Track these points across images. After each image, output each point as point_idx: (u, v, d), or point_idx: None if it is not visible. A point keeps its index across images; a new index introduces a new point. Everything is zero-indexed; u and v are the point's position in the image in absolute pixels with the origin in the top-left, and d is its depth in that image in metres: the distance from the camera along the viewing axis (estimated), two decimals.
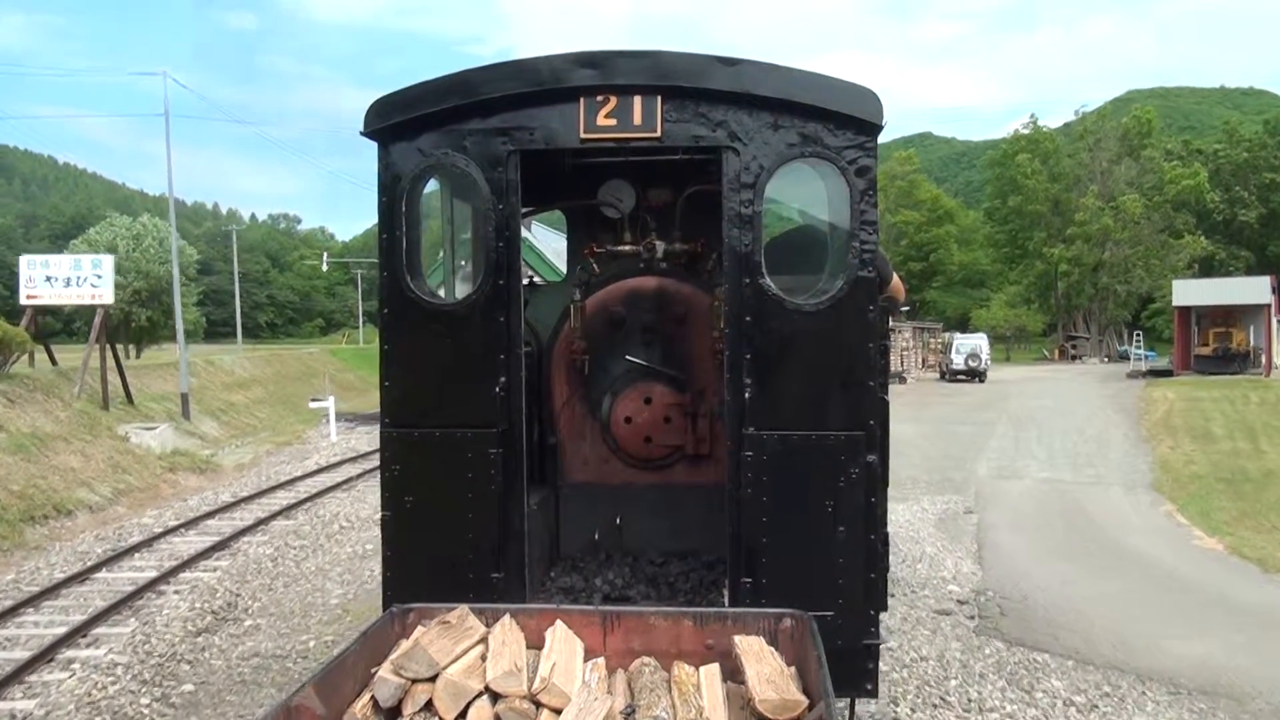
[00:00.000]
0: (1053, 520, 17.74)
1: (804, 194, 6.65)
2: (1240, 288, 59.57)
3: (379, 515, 6.32)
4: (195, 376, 36.45)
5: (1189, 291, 59.54)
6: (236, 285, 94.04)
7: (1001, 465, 23.98)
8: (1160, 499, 19.88)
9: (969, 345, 60.50)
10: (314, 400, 34.48)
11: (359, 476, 23.90)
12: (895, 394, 44.18)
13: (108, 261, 28.29)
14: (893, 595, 10.65)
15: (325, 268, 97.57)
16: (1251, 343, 55.27)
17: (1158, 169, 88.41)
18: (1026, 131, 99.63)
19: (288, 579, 14.13)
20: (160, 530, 17.53)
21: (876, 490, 5.86)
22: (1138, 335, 68.55)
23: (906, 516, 17.24)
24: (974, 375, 58.06)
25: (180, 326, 36.96)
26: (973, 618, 11.72)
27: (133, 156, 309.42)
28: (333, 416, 32.58)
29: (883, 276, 6.22)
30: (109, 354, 28.24)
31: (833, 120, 5.72)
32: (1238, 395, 37.89)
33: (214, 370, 43.01)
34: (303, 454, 29.29)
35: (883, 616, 6.18)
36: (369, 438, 29.99)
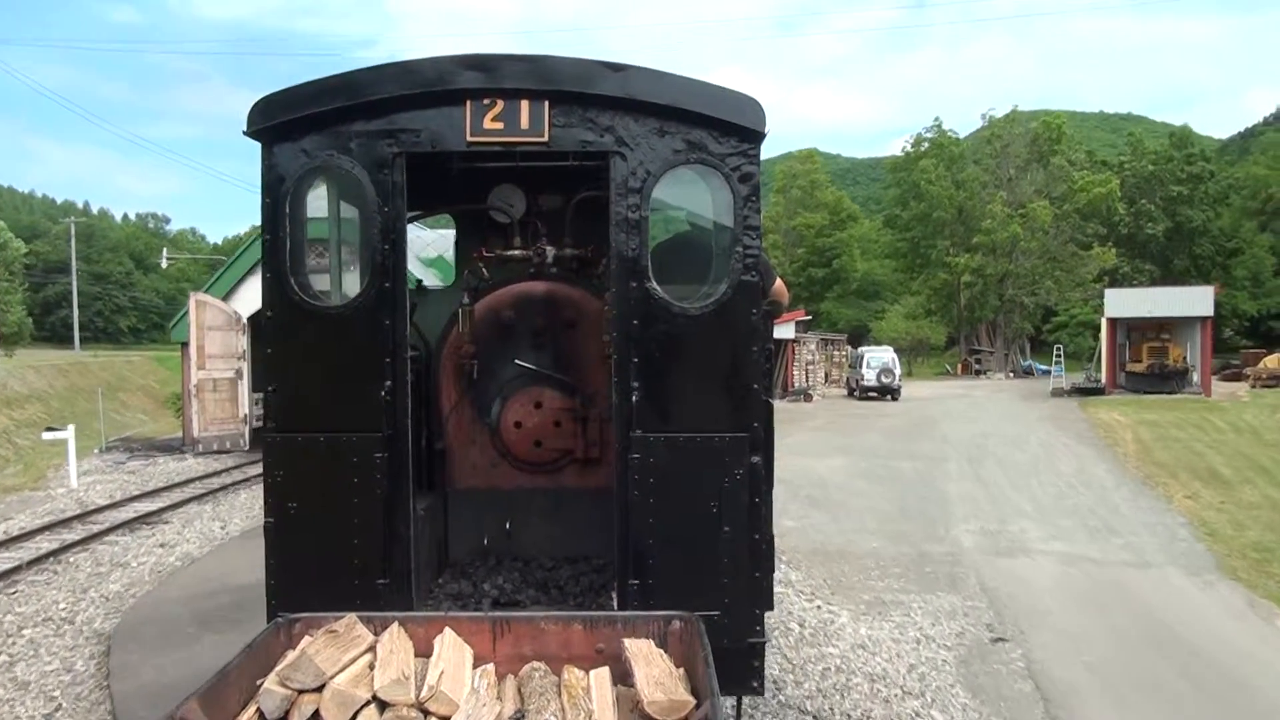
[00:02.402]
0: (1144, 657, 11.76)
1: (690, 199, 6.90)
2: (1179, 299, 56.43)
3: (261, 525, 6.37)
4: None
5: (1123, 302, 57.18)
6: (74, 280, 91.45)
7: (987, 528, 19.00)
8: (1252, 595, 14.62)
9: (880, 360, 58.55)
10: (49, 430, 28.12)
11: (70, 548, 16.90)
12: (807, 416, 42.43)
13: None
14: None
15: (165, 264, 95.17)
16: (1187, 359, 53.82)
17: (1067, 177, 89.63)
18: (931, 136, 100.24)
19: None
20: None
21: (761, 491, 6.15)
22: (1059, 350, 66.93)
23: (901, 654, 11.51)
24: (887, 393, 56.24)
25: None
26: None
27: (4, 153, 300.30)
28: (72, 455, 26.08)
29: (765, 280, 6.50)
30: None
31: (717, 127, 6.02)
32: (1199, 420, 36.39)
33: None
34: (10, 510, 22.12)
35: (767, 615, 6.44)
36: (140, 478, 26.27)
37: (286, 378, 6.21)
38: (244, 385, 31.58)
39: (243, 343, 31.46)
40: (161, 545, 17.31)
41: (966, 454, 30.10)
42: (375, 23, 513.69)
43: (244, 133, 6.19)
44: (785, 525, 16.72)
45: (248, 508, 21.18)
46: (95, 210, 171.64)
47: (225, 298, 31.48)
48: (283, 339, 6.19)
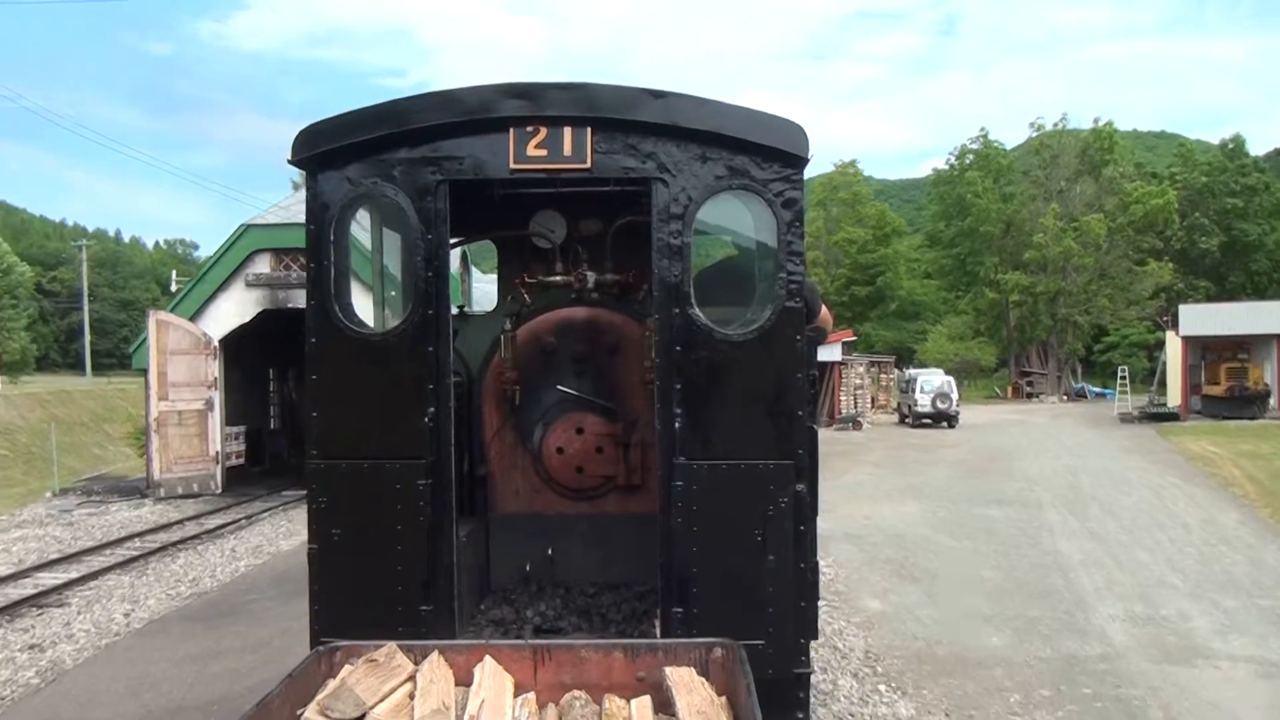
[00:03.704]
0: None
1: (732, 225, 6.94)
2: (1259, 314, 52.25)
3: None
4: None
5: (1199, 319, 52.39)
6: (85, 308, 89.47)
7: (1134, 611, 14.36)
8: None
9: (935, 383, 53.34)
10: None
11: None
12: (859, 448, 38.69)
13: None
14: None
15: (174, 287, 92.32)
16: (1267, 380, 49.99)
17: (1119, 189, 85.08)
18: (975, 148, 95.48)
19: None
20: None
21: (806, 519, 6.14)
22: (1123, 373, 62.17)
23: None
24: (943, 419, 51.36)
25: None
26: None
27: (40, 184, 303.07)
28: None
29: (810, 306, 6.45)
30: None
31: (760, 153, 6.03)
32: None
33: None
34: None
35: (812, 645, 6.39)
36: (74, 533, 22.56)
37: (330, 405, 6.24)
38: (215, 418, 27.21)
39: (214, 369, 26.87)
40: (32, 646, 13.36)
41: (1062, 497, 25.79)
42: (405, 53, 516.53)
43: (289, 161, 6.30)
44: (870, 608, 14.46)
45: (176, 579, 17.57)
46: (126, 238, 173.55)
47: (193, 317, 27.05)
48: (326, 366, 6.24)
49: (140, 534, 21.61)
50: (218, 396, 27.23)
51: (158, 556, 19.37)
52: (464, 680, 4.53)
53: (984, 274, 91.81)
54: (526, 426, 7.86)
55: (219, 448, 27.38)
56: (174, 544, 20.49)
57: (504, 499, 7.94)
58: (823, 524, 21.75)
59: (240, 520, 23.64)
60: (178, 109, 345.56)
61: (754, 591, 5.91)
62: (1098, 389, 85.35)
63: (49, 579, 17.15)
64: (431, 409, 6.03)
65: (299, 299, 26.54)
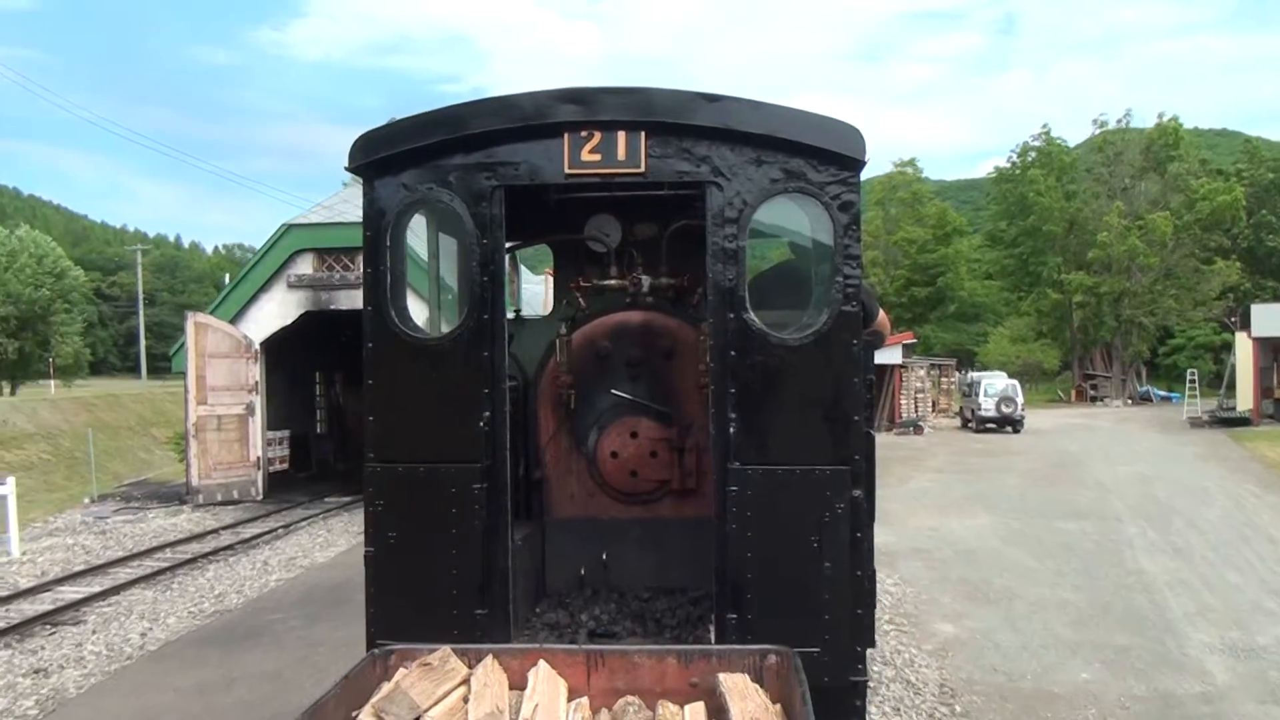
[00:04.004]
0: None
1: (788, 228, 6.87)
2: None
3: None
4: None
5: (1272, 319, 49.44)
6: (140, 312, 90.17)
7: (1230, 640, 13.14)
8: None
9: (999, 386, 51.73)
10: None
11: None
12: (921, 453, 37.63)
13: None
14: None
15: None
16: None
17: (1185, 186, 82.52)
18: (1038, 145, 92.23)
19: None
20: None
21: (863, 525, 6.04)
22: (1192, 376, 59.59)
23: None
24: (1007, 423, 49.88)
25: None
26: None
27: (103, 191, 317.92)
28: (12, 517, 20.66)
29: (867, 311, 6.37)
30: None
31: (816, 156, 5.94)
32: None
33: None
34: None
35: (869, 653, 6.37)
36: (107, 542, 21.66)
37: (387, 409, 6.24)
38: (256, 422, 26.55)
39: (255, 372, 26.09)
40: (38, 670, 12.58)
41: (1139, 509, 24.46)
42: (463, 59, 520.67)
43: (346, 168, 6.38)
44: (943, 633, 13.67)
45: (202, 594, 16.77)
46: (185, 243, 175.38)
47: (234, 320, 26.23)
48: (383, 370, 6.25)
49: (173, 543, 21.02)
50: (259, 401, 26.53)
51: (186, 569, 18.76)
52: (518, 684, 4.59)
53: (1046, 274, 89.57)
54: (581, 430, 7.90)
55: (260, 453, 26.63)
56: (206, 555, 19.85)
57: (559, 503, 7.99)
58: (888, 537, 20.32)
59: (278, 529, 23.10)
60: (235, 116, 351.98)
61: (810, 598, 5.87)
62: (1162, 392, 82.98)
63: (70, 593, 16.51)
64: (487, 413, 6.07)
65: (342, 300, 25.75)
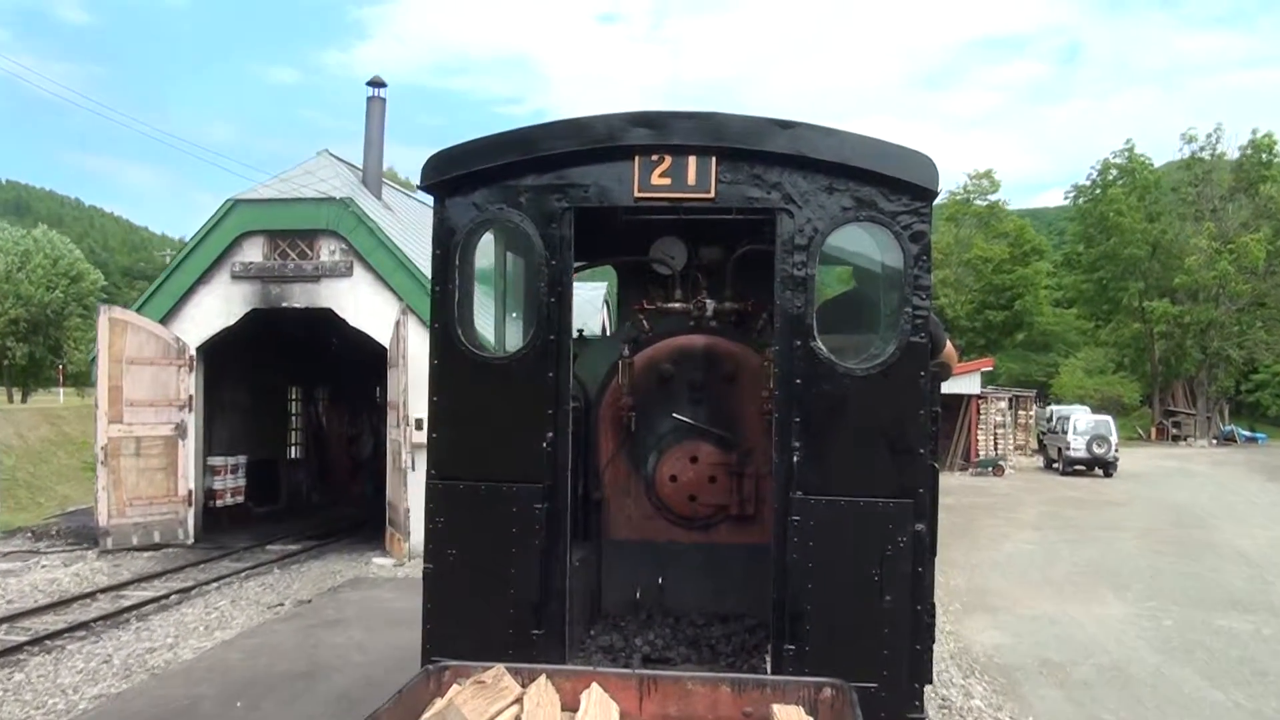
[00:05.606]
0: None
1: (858, 257, 6.77)
2: None
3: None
4: None
5: None
6: None
7: None
8: None
9: (1090, 423, 45.82)
10: None
11: None
12: (1008, 501, 32.43)
13: None
14: None
15: None
16: None
17: (1278, 208, 75.67)
18: (1119, 163, 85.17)
19: None
20: None
21: (924, 560, 5.96)
22: None
23: None
24: (1098, 465, 44.04)
25: None
26: None
27: (162, 203, 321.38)
28: None
29: (935, 342, 6.29)
30: None
31: (888, 185, 5.89)
32: None
33: None
34: None
35: (926, 690, 6.18)
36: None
37: (451, 425, 6.26)
38: (189, 446, 20.77)
39: (189, 384, 20.57)
40: None
41: None
42: (526, 81, 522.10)
43: (419, 186, 6.43)
44: None
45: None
46: None
47: (165, 318, 20.59)
48: (448, 387, 6.27)
49: (24, 613, 14.72)
50: (192, 419, 20.84)
51: (30, 653, 12.80)
52: (570, 705, 4.57)
53: (1127, 301, 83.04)
54: (641, 453, 7.79)
55: (192, 485, 20.97)
56: (45, 637, 13.42)
57: (617, 525, 7.87)
58: (1001, 637, 16.18)
59: (171, 595, 16.51)
60: (299, 132, 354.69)
61: (868, 632, 5.76)
62: (1246, 432, 76.27)
63: None
64: (551, 433, 6.05)
65: (297, 296, 20.19)
